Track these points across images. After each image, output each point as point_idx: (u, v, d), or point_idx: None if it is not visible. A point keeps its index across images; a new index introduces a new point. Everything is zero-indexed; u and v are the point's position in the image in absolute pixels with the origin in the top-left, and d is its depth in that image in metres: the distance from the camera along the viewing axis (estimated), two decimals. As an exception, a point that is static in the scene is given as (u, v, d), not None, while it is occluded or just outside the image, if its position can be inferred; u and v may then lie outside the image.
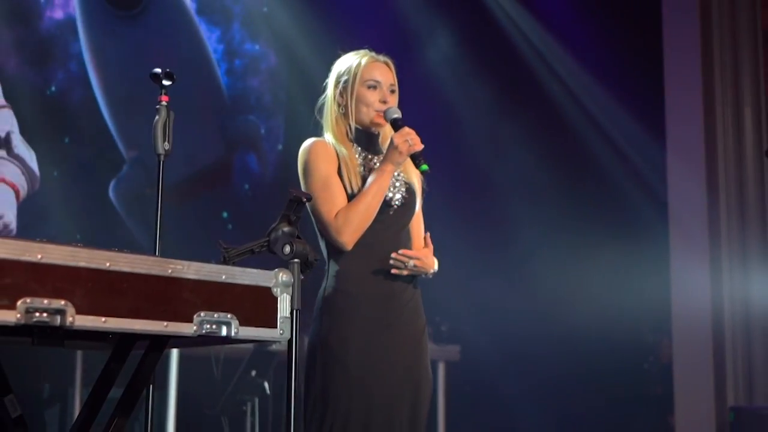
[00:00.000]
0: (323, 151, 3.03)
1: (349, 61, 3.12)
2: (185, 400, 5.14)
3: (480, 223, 7.26)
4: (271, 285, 2.22)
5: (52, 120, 5.89)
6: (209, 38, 6.84)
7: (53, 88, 6.00)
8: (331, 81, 3.14)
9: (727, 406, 6.51)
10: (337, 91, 3.10)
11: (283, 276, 2.25)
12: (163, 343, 2.21)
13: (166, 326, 2.00)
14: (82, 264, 1.88)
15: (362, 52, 3.14)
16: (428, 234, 3.10)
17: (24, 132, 5.66)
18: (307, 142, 3.07)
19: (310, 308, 2.79)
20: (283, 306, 2.23)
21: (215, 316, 2.09)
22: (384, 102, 3.07)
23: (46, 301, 1.82)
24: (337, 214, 2.96)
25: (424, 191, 3.18)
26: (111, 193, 6.16)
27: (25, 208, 5.66)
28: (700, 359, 6.75)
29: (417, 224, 3.17)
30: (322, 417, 2.90)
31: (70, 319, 1.84)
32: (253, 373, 5.46)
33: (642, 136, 7.24)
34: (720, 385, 6.68)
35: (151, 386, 2.65)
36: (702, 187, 6.93)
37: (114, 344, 2.23)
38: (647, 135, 7.22)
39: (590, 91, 7.40)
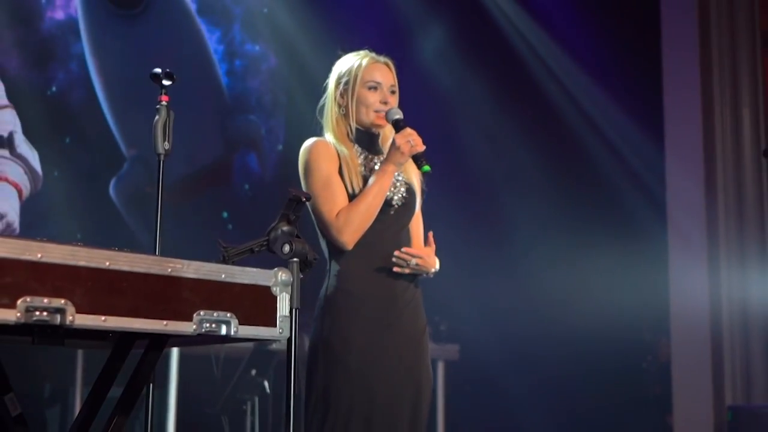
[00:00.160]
0: (324, 151, 3.03)
1: (349, 62, 3.12)
2: (185, 399, 5.14)
3: (478, 222, 7.27)
4: (270, 284, 2.23)
5: (53, 120, 5.89)
6: (210, 39, 6.85)
7: (54, 89, 6.01)
8: (331, 82, 3.13)
9: (725, 405, 6.51)
10: (338, 92, 3.10)
11: (283, 275, 2.25)
12: (162, 342, 2.21)
13: (166, 325, 2.01)
14: (81, 263, 1.89)
15: (362, 52, 3.14)
16: (431, 233, 3.10)
17: (25, 132, 5.66)
18: (308, 142, 3.07)
19: (309, 308, 2.80)
20: (283, 305, 2.24)
21: (215, 315, 2.09)
22: (384, 103, 3.07)
23: (46, 300, 1.82)
24: (338, 213, 2.96)
25: (423, 191, 3.19)
26: (111, 192, 6.17)
27: (27, 207, 5.66)
28: (699, 359, 6.75)
29: (416, 224, 3.18)
30: (323, 417, 2.91)
31: (70, 318, 1.85)
32: (253, 372, 5.45)
33: (640, 136, 7.25)
34: (718, 385, 6.69)
35: (151, 385, 2.65)
36: (700, 187, 6.94)
37: (114, 343, 2.23)
38: (646, 135, 7.22)
39: (589, 90, 7.40)
